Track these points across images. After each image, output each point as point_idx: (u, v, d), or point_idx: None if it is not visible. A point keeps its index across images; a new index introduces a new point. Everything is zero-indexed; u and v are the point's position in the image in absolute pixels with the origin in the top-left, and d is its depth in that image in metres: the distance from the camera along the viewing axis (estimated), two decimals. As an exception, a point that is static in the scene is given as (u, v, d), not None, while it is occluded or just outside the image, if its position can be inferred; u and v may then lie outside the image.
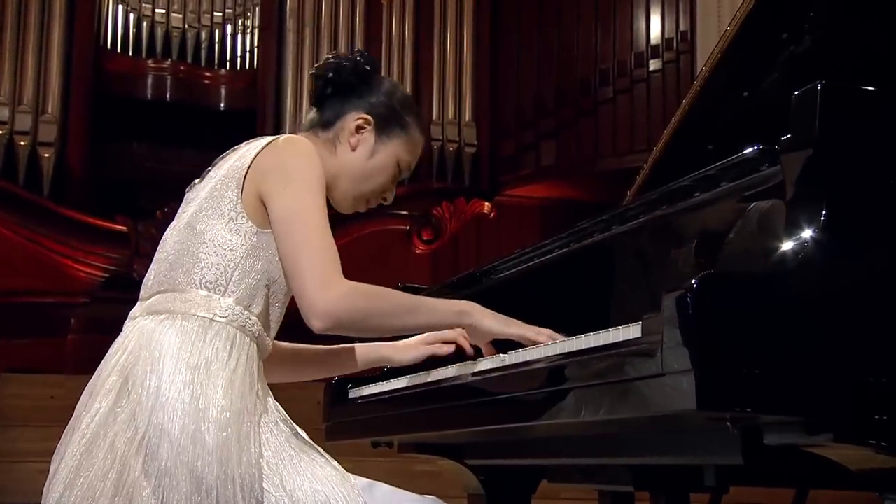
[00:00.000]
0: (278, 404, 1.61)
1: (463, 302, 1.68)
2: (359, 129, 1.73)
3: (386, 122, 1.74)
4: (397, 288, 2.44)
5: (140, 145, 7.82)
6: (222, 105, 7.87)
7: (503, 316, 1.67)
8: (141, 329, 1.56)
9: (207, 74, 7.88)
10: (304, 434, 1.60)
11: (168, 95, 7.78)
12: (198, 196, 1.65)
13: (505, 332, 1.65)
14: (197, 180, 1.70)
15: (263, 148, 1.62)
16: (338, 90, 1.74)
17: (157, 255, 1.65)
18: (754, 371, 1.17)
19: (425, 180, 7.59)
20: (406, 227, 7.46)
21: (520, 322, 1.66)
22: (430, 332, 1.76)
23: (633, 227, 1.67)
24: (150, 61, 7.76)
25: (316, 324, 1.53)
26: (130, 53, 7.74)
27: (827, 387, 1.19)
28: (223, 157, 1.69)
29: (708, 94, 2.27)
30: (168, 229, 1.67)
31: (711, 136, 2.18)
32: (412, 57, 7.86)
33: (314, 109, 1.77)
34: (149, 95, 7.74)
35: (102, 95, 7.54)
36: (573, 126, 7.44)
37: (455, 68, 7.85)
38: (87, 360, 1.62)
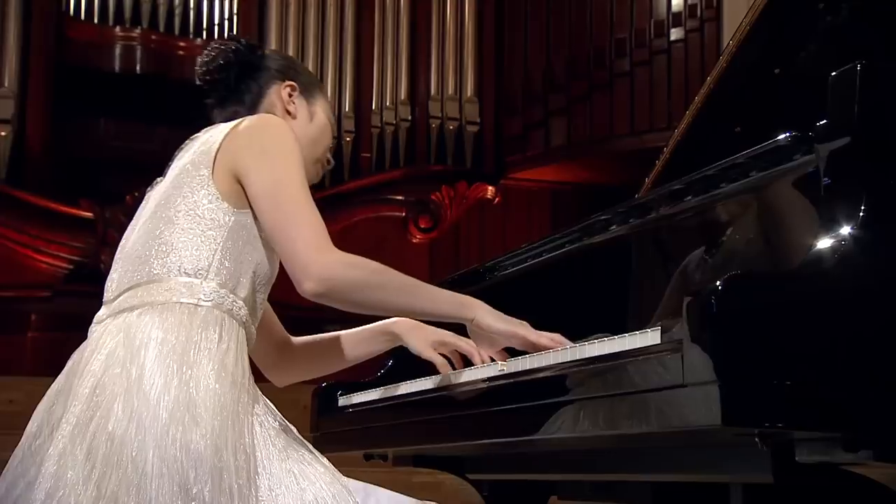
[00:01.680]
0: (267, 400, 1.64)
1: (467, 297, 1.72)
2: (290, 96, 1.82)
3: (306, 84, 1.86)
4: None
5: (107, 122, 7.82)
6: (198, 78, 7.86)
7: (508, 317, 1.69)
8: (115, 326, 1.57)
9: (182, 44, 7.87)
10: (293, 429, 1.63)
11: (138, 67, 7.77)
12: (159, 191, 1.70)
13: (507, 331, 1.68)
14: (159, 178, 1.75)
15: (231, 129, 1.67)
16: (244, 72, 1.82)
17: (119, 255, 1.68)
18: (785, 382, 1.18)
19: (423, 162, 7.60)
20: (401, 214, 7.47)
21: (525, 324, 1.68)
22: (430, 319, 1.76)
23: (651, 220, 1.68)
24: (117, 29, 7.74)
25: (308, 286, 1.57)
26: (96, 21, 7.73)
27: (866, 399, 1.19)
28: (183, 149, 1.74)
29: (735, 71, 2.27)
30: (128, 229, 1.70)
31: (739, 117, 2.18)
32: (408, 24, 7.85)
33: (228, 103, 1.82)
34: (117, 67, 7.73)
35: (65, 67, 7.53)
36: (586, 102, 7.43)
37: (456, 38, 7.84)
38: (49, 360, 1.64)
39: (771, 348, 1.19)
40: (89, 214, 6.95)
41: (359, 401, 2.17)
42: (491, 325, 1.68)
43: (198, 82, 1.83)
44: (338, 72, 7.75)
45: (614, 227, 1.75)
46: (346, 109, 7.69)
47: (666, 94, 7.04)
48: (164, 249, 1.60)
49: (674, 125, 2.38)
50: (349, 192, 7.47)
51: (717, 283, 1.20)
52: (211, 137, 1.68)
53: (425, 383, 1.88)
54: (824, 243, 1.26)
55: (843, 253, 1.24)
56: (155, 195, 1.70)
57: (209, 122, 1.80)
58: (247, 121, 1.69)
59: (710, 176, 1.54)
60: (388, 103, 7.71)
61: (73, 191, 7.14)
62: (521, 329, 1.67)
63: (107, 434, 1.47)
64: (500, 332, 1.68)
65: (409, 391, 1.93)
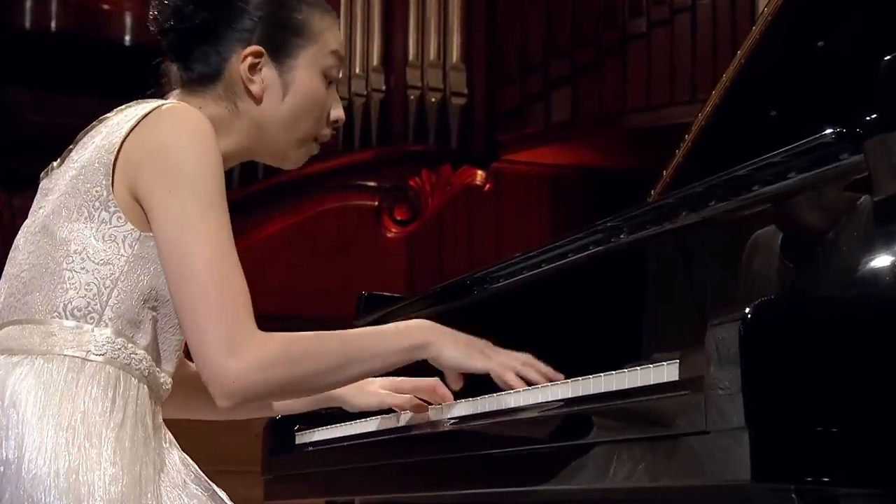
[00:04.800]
0: (186, 457, 1.63)
1: (416, 327, 1.70)
2: (252, 69, 1.66)
3: (281, 41, 1.67)
4: (361, 298, 2.47)
5: (17, 91, 7.78)
6: (127, 38, 7.83)
7: (468, 338, 1.70)
8: None
9: (108, -3, 7.85)
10: (223, 495, 1.63)
11: (54, 25, 7.74)
12: (56, 187, 1.62)
13: (467, 365, 1.69)
14: (55, 163, 1.68)
15: (139, 122, 1.57)
16: (195, 36, 1.68)
17: (7, 268, 1.63)
18: (830, 429, 1.18)
19: (399, 141, 7.59)
20: (374, 203, 7.46)
21: (489, 349, 1.69)
22: (383, 373, 1.79)
23: (670, 229, 1.68)
24: (29, -22, 7.72)
25: (221, 402, 1.52)
26: (4, -31, 7.70)
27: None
28: (88, 132, 1.66)
29: (770, 43, 2.28)
30: (21, 230, 1.66)
31: (775, 99, 2.19)
32: (382, -25, 7.83)
33: (184, 70, 1.71)
34: (28, 24, 7.69)
35: (-33, 26, 7.50)
36: (594, 70, 7.44)
37: (438, -9, 7.83)
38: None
39: (812, 388, 1.20)
40: (-5, 203, 6.93)
41: (321, 438, 2.18)
42: (451, 362, 1.68)
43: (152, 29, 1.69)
44: (297, 32, 7.73)
45: (625, 235, 1.76)
46: (308, 77, 7.67)
47: (690, 60, 7.04)
48: (51, 282, 1.55)
49: (699, 98, 2.41)
50: (312, 176, 7.44)
51: (747, 308, 1.20)
52: (117, 126, 1.58)
53: (402, 419, 1.88)
54: (877, 261, 1.27)
55: (897, 273, 1.25)
56: (52, 194, 1.62)
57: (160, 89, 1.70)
58: (159, 114, 1.57)
59: (740, 176, 1.55)
60: (357, 70, 7.70)
61: (-24, 174, 7.12)
62: (482, 362, 1.67)
63: None
64: (464, 370, 1.69)
65: (381, 427, 1.94)
